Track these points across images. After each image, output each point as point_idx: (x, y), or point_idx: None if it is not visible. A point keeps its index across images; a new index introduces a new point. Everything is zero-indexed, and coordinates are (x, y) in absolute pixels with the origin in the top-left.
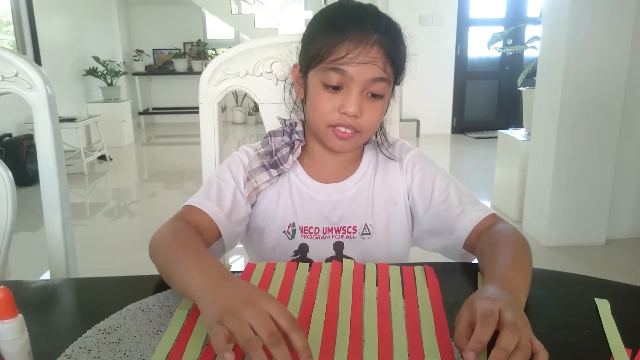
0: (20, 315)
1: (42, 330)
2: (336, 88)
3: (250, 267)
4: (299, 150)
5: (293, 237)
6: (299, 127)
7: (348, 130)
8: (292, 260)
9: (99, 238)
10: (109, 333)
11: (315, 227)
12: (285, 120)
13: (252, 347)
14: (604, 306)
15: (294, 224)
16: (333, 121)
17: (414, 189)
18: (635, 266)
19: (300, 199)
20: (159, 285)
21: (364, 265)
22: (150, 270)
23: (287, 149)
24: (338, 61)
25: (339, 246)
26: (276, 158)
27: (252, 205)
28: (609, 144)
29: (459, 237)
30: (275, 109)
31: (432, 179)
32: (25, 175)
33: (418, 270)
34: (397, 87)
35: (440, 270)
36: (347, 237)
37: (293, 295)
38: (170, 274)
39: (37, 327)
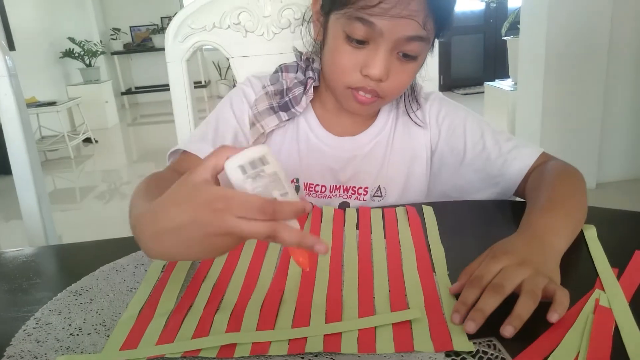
0: None
1: (13, 298)
2: (361, 42)
3: None
4: (311, 92)
5: None
6: (317, 65)
7: (368, 95)
8: None
9: (91, 222)
10: (80, 294)
11: (322, 186)
12: (301, 53)
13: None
14: (590, 231)
15: (297, 180)
16: (353, 83)
17: (441, 142)
18: (626, 207)
19: (308, 151)
20: (134, 246)
21: (344, 211)
22: None
23: (301, 89)
24: (368, 10)
25: (343, 207)
26: (287, 99)
27: None
28: (596, 88)
29: (507, 189)
30: (246, 62)
31: (463, 128)
32: (7, 163)
33: (400, 211)
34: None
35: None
36: (356, 198)
37: (271, 244)
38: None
39: (7, 294)
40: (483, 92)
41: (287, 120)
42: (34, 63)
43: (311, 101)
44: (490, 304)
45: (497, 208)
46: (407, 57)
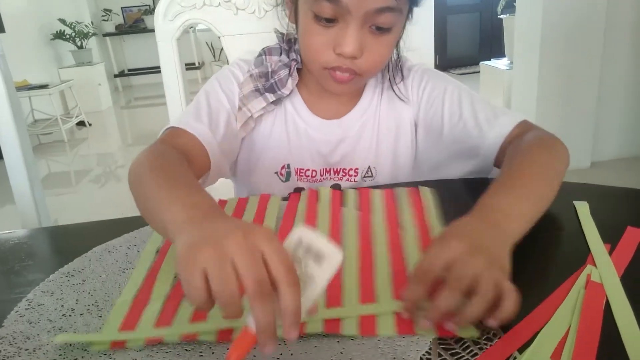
0: None
1: (5, 279)
2: (330, 20)
3: (220, 203)
4: (296, 74)
5: (287, 179)
6: (299, 47)
7: (345, 74)
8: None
9: (86, 206)
10: (72, 275)
11: (313, 170)
12: (282, 34)
13: (226, 302)
14: (582, 207)
15: (288, 166)
16: (328, 63)
17: (422, 114)
18: (620, 185)
19: (297, 136)
20: (126, 227)
21: (342, 191)
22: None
23: (286, 71)
24: None
25: (336, 189)
26: (273, 81)
27: (242, 139)
28: (591, 67)
29: (487, 160)
30: (238, 41)
31: (441, 97)
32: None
33: (400, 192)
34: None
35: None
36: (347, 180)
37: (266, 225)
38: (147, 208)
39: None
40: (479, 72)
41: (274, 102)
42: (25, 45)
43: (297, 85)
44: (447, 306)
45: None
46: (381, 29)
